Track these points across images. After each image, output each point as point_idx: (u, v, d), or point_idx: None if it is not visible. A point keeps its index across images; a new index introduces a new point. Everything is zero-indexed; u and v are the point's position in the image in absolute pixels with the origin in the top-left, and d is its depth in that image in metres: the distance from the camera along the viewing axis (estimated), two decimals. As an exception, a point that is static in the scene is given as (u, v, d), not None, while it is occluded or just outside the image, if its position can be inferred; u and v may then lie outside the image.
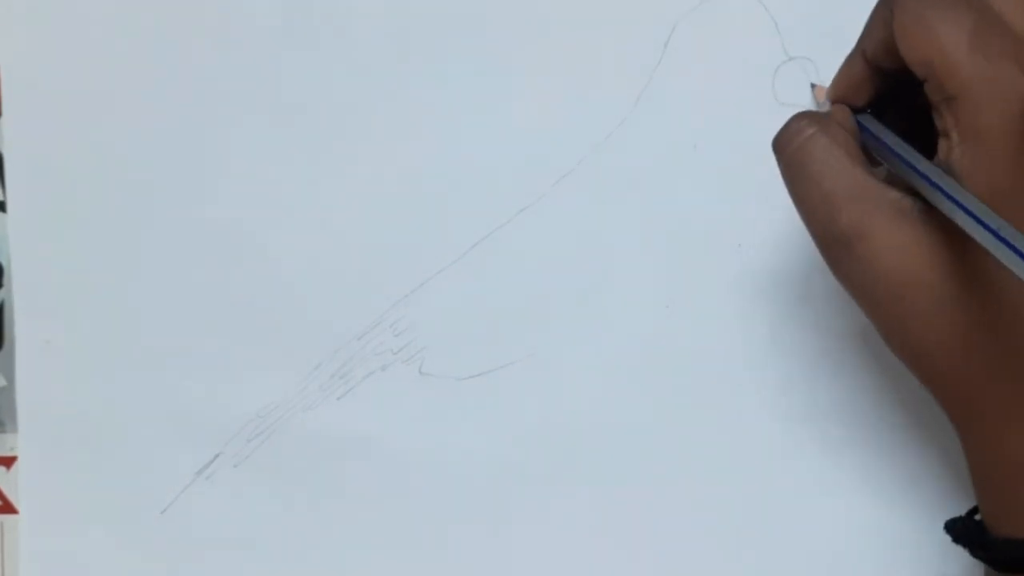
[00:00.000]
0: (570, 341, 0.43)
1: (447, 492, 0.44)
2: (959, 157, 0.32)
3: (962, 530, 0.35)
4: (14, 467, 0.46)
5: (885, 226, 0.33)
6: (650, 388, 0.43)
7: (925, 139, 0.34)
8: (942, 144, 0.33)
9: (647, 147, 0.43)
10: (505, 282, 0.44)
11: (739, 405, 0.43)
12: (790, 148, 0.34)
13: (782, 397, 0.43)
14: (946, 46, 0.31)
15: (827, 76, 0.41)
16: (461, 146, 0.43)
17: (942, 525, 0.36)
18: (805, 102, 0.41)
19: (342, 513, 0.44)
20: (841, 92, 0.37)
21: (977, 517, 0.36)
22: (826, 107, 0.38)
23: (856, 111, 0.36)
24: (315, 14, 0.44)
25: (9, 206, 0.46)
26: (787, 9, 0.41)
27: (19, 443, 0.46)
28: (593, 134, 0.43)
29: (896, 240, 0.33)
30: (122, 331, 0.45)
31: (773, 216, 0.42)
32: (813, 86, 0.41)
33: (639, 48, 0.42)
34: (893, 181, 0.34)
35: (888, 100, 0.36)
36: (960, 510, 0.36)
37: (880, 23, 0.34)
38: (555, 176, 0.43)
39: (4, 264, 0.46)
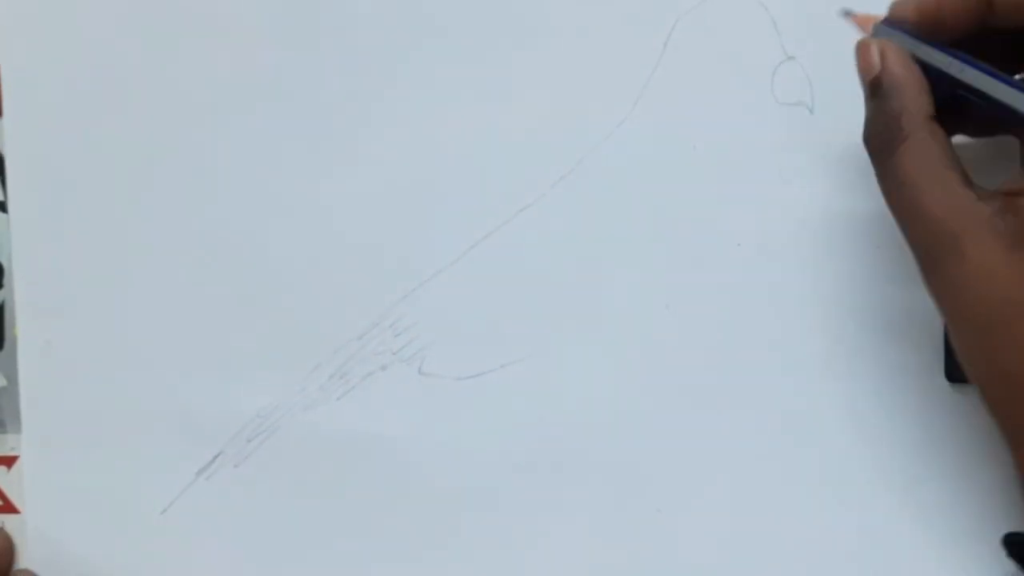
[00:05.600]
0: (570, 341, 0.43)
1: (447, 492, 0.44)
2: None
3: (1018, 547, 0.35)
4: (15, 467, 0.46)
5: (979, 246, 0.31)
6: (650, 388, 0.43)
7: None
8: None
9: (646, 147, 0.43)
10: (505, 282, 0.44)
11: (739, 405, 0.43)
12: (888, 156, 0.33)
13: (782, 397, 0.42)
14: None
15: (825, 75, 0.41)
16: (461, 146, 0.44)
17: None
18: (805, 101, 0.41)
19: (342, 512, 0.44)
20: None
21: None
22: (878, 33, 0.35)
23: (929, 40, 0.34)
24: (315, 16, 0.44)
25: (10, 206, 0.46)
26: (786, 8, 0.41)
27: (21, 443, 0.46)
28: (593, 134, 0.43)
29: (989, 261, 0.31)
30: (123, 331, 0.45)
31: (773, 216, 0.42)
32: (848, 13, 0.36)
33: (638, 48, 0.42)
34: (985, 196, 0.32)
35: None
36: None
37: None
38: (555, 176, 0.43)
39: (5, 264, 0.46)
